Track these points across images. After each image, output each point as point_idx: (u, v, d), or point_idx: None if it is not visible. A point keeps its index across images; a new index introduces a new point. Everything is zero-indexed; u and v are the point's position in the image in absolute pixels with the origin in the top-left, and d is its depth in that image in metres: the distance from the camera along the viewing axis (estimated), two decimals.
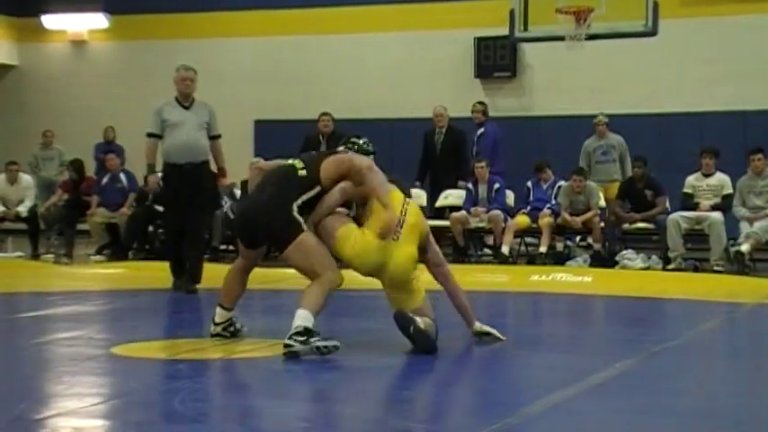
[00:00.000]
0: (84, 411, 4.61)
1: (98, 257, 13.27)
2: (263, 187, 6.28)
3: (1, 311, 8.93)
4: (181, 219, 9.63)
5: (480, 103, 13.73)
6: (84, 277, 11.40)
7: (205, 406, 4.79)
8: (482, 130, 13.38)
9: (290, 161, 6.32)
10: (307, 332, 5.82)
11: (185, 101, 9.65)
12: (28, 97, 18.44)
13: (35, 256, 13.46)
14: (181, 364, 5.84)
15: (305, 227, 6.09)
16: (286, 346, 5.82)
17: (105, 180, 13.89)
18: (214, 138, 9.70)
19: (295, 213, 6.08)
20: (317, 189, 6.21)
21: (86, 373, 5.65)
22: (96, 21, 18.05)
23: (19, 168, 14.04)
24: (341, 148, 6.60)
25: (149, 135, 9.63)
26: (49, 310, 8.54)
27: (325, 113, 13.55)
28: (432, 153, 13.31)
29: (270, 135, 16.49)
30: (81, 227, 13.95)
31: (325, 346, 5.83)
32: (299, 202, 6.12)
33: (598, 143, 12.97)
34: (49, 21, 18.19)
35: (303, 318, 5.86)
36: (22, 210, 13.63)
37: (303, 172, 6.20)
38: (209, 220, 11.28)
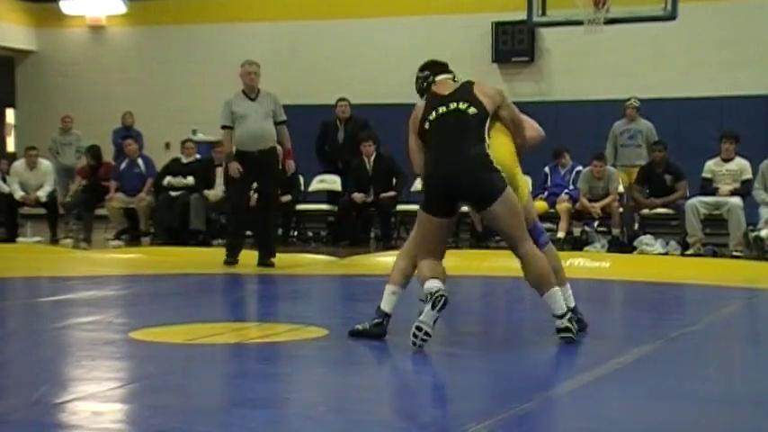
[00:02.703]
0: (102, 395, 4.63)
1: (116, 242, 13.32)
2: (442, 143, 5.77)
3: (21, 296, 8.99)
4: (246, 200, 10.65)
5: None
6: (103, 262, 11.45)
7: (223, 390, 4.81)
8: None
9: (453, 106, 5.82)
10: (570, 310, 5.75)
11: (251, 93, 10.49)
12: (47, 82, 18.51)
13: (54, 240, 13.53)
14: (199, 349, 5.86)
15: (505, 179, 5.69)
16: (563, 330, 5.70)
17: (123, 165, 13.93)
18: (280, 123, 10.50)
19: (495, 163, 5.68)
20: (487, 122, 5.83)
21: (105, 357, 5.67)
22: (114, 6, 18.09)
23: (38, 153, 14.10)
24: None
25: (223, 127, 10.49)
26: (68, 295, 8.58)
27: (342, 99, 13.54)
28: None
29: (288, 120, 16.49)
30: (99, 212, 14.01)
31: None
32: (487, 145, 5.74)
33: (626, 126, 12.89)
34: (68, 6, 18.23)
35: (559, 297, 5.72)
36: (42, 195, 13.68)
37: (473, 110, 5.81)
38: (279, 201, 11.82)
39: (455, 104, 5.84)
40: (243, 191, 10.58)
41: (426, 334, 5.54)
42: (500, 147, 5.91)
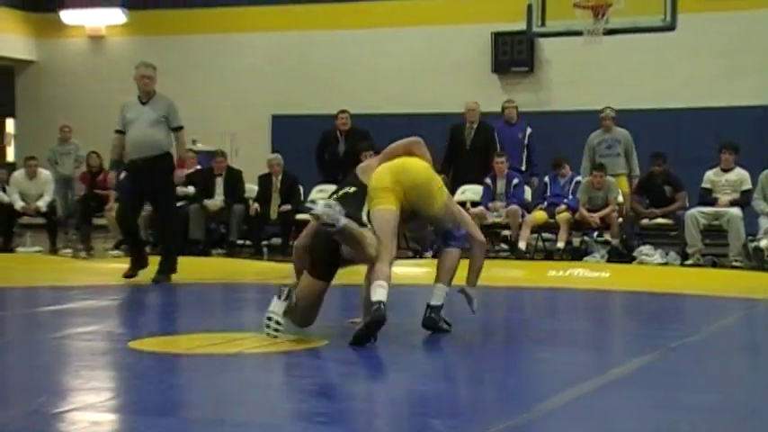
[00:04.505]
0: (101, 405, 4.63)
1: (116, 252, 13.32)
2: None
3: (20, 306, 8.98)
4: (132, 211, 10.10)
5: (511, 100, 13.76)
6: (102, 272, 11.44)
7: (222, 400, 4.80)
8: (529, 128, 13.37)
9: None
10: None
11: (144, 97, 9.99)
12: (46, 92, 18.52)
13: (53, 250, 13.53)
14: (198, 359, 5.86)
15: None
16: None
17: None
18: (175, 129, 9.98)
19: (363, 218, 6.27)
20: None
21: (104, 367, 5.67)
22: (114, 16, 18.13)
23: (38, 163, 14.11)
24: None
25: (115, 132, 10.08)
26: (68, 305, 8.57)
27: (343, 111, 13.55)
28: (460, 148, 13.18)
29: (287, 130, 16.52)
30: (98, 222, 14.01)
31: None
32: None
33: (603, 137, 12.90)
34: (68, 16, 18.27)
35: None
36: (42, 205, 13.69)
37: (352, 189, 6.42)
38: (177, 211, 11.19)
39: None
40: (129, 201, 10.14)
41: (277, 323, 6.18)
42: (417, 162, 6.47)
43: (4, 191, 14.01)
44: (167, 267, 9.93)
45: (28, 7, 18.55)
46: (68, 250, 13.65)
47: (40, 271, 11.50)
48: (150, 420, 4.38)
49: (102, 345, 6.36)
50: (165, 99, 10.04)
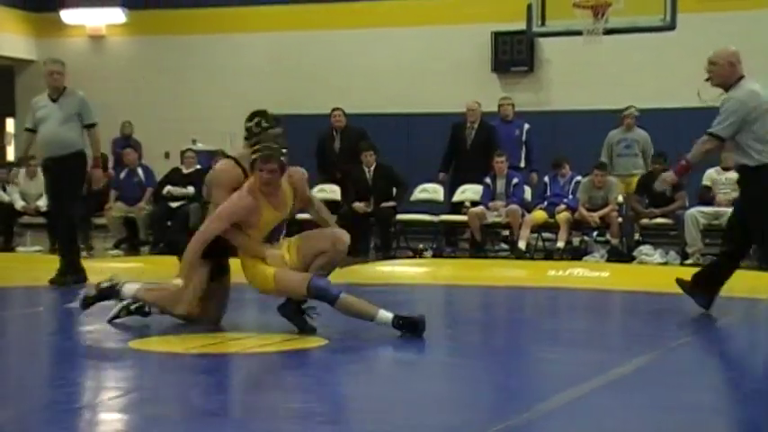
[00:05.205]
0: (102, 405, 4.63)
1: (115, 252, 13.32)
2: None
3: (20, 305, 8.99)
4: (58, 213, 9.86)
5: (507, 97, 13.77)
6: (102, 271, 11.41)
7: (222, 400, 4.81)
8: (525, 126, 13.37)
9: None
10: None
11: (54, 94, 9.67)
12: None
13: (53, 250, 13.52)
14: (198, 359, 5.86)
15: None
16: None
17: (123, 175, 13.94)
18: (88, 127, 9.58)
19: None
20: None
21: (105, 366, 5.67)
22: (114, 16, 18.13)
23: (38, 163, 14.08)
24: None
25: (25, 130, 9.86)
26: (67, 304, 8.57)
27: (336, 108, 13.54)
28: (461, 147, 13.21)
29: (287, 129, 16.48)
30: (98, 221, 14.01)
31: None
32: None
33: (623, 136, 12.92)
34: (68, 16, 18.27)
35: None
36: (42, 204, 13.70)
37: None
38: (74, 211, 10.33)
39: None
40: (51, 201, 10.00)
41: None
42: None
43: (5, 190, 14.02)
44: (61, 270, 9.61)
45: (28, 7, 18.54)
46: None
47: (40, 271, 11.49)
48: (150, 420, 4.38)
49: (102, 344, 6.37)
50: (76, 95, 9.72)
